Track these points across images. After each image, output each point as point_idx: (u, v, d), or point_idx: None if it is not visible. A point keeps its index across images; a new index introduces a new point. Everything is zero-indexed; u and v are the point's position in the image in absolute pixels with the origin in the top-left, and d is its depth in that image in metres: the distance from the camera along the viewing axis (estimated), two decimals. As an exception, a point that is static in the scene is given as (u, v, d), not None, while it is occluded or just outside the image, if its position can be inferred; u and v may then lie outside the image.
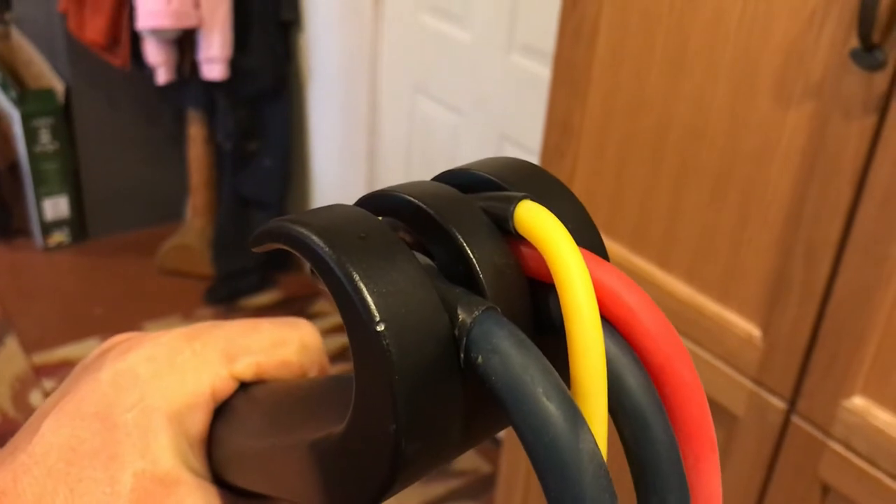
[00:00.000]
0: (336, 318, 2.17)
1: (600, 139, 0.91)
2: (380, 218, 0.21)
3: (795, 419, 0.78)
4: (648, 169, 0.87)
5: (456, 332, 0.19)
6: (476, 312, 0.19)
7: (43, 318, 2.08)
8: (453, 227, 0.21)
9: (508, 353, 0.18)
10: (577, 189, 0.96)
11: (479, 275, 0.20)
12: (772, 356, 0.79)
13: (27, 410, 1.79)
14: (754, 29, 0.74)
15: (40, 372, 1.90)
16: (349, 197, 1.79)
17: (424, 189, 0.22)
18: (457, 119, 1.67)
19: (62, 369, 1.91)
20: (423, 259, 0.21)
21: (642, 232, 0.90)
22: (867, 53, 0.65)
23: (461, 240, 0.21)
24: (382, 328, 0.18)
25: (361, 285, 0.18)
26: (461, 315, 0.19)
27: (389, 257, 0.19)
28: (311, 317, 2.16)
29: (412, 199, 0.21)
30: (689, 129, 0.82)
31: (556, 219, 0.20)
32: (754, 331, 0.81)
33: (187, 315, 2.13)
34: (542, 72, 1.41)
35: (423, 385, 0.18)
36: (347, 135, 2.02)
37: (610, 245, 0.93)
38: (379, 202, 0.22)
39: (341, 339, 2.03)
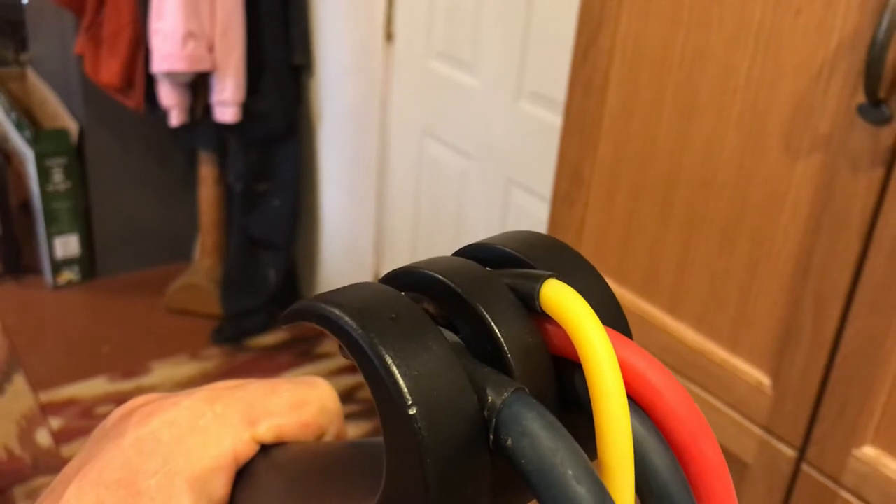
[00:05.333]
0: (341, 360, 2.17)
1: (610, 188, 0.93)
2: (402, 293, 0.21)
3: (806, 468, 0.79)
4: (658, 218, 0.88)
5: (485, 414, 0.19)
6: (505, 394, 0.19)
7: (51, 356, 2.08)
8: (481, 306, 0.21)
9: (538, 435, 0.18)
10: (587, 237, 0.97)
11: (506, 354, 0.21)
12: (782, 404, 0.80)
13: (33, 448, 1.79)
14: (763, 83, 0.76)
15: (47, 410, 1.90)
16: (357, 238, 1.79)
17: (450, 266, 0.22)
18: (465, 163, 1.69)
19: (69, 408, 1.91)
20: (449, 336, 0.22)
21: (652, 279, 0.91)
22: (874, 108, 0.67)
23: (489, 318, 0.21)
24: (414, 411, 0.18)
25: (394, 368, 0.19)
26: (490, 396, 0.19)
27: (420, 338, 0.19)
28: (316, 357, 2.17)
29: (439, 276, 0.22)
30: (697, 179, 0.84)
31: (581, 299, 0.21)
32: (764, 378, 0.82)
33: (194, 354, 2.13)
34: (550, 119, 1.43)
35: (453, 467, 0.19)
36: (356, 177, 2.04)
37: (620, 292, 0.94)
38: (404, 279, 0.22)
39: (347, 381, 2.04)
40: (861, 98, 0.68)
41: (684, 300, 0.88)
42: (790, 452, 0.80)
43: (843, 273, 0.72)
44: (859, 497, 0.74)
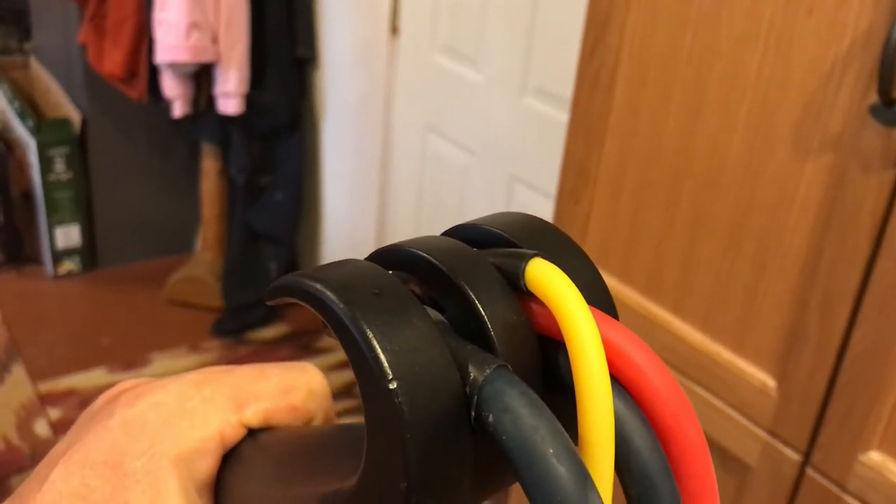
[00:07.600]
0: (342, 354, 2.16)
1: (616, 186, 0.92)
2: (390, 272, 0.21)
3: (810, 472, 0.78)
4: (663, 216, 0.87)
5: (467, 390, 0.19)
6: (487, 371, 0.19)
7: (50, 347, 2.08)
8: (465, 284, 0.21)
9: (519, 412, 0.18)
10: (592, 235, 0.96)
11: (490, 332, 0.21)
12: (786, 407, 0.79)
13: (31, 439, 1.78)
14: (773, 81, 0.75)
15: (46, 400, 1.89)
16: (359, 232, 1.79)
17: (436, 245, 0.22)
18: (468, 159, 1.68)
19: (68, 398, 1.91)
20: (434, 314, 0.22)
21: (657, 279, 0.90)
22: (886, 109, 0.66)
23: (473, 296, 0.21)
24: (395, 386, 0.18)
25: (375, 343, 0.18)
26: (472, 373, 0.19)
27: (403, 314, 0.19)
28: (317, 351, 2.16)
29: (425, 254, 0.22)
30: (704, 178, 0.83)
31: (566, 277, 0.20)
32: (769, 381, 0.81)
33: (194, 347, 2.13)
34: (554, 115, 1.42)
35: (434, 443, 0.19)
36: (359, 172, 2.03)
37: (624, 291, 0.93)
38: (391, 257, 0.22)
39: (347, 375, 2.03)
40: (873, 98, 0.67)
41: (689, 300, 0.87)
42: (795, 456, 0.79)
43: (851, 275, 0.72)
44: (864, 503, 0.73)
